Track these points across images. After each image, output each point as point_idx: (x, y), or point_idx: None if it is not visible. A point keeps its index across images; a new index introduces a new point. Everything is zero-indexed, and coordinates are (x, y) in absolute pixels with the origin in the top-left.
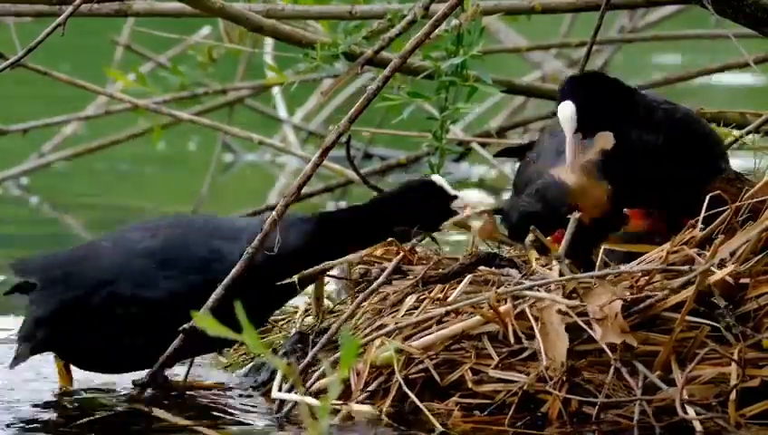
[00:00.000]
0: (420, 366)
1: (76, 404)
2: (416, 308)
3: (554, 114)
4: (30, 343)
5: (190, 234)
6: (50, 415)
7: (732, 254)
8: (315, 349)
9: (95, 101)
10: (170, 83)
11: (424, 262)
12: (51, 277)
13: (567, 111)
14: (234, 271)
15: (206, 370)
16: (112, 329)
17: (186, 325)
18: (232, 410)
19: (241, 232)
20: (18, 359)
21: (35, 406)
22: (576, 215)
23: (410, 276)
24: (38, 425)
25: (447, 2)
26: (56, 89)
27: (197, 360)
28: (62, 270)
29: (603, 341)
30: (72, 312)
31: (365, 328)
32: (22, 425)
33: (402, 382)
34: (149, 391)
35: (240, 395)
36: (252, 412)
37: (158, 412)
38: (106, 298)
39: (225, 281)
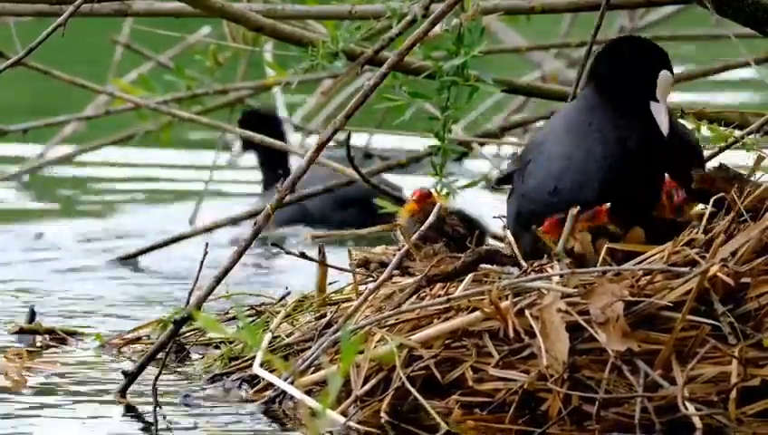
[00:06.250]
0: (421, 364)
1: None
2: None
3: (553, 114)
4: None
5: None
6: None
7: (733, 254)
8: (321, 348)
9: (95, 101)
10: (177, 87)
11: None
12: None
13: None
14: (226, 264)
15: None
16: None
17: (177, 317)
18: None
19: None
20: None
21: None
22: (574, 210)
23: (411, 272)
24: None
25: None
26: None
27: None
28: None
29: (608, 347)
30: None
31: (364, 323)
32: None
33: (405, 380)
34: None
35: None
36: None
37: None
38: None
39: (219, 273)
